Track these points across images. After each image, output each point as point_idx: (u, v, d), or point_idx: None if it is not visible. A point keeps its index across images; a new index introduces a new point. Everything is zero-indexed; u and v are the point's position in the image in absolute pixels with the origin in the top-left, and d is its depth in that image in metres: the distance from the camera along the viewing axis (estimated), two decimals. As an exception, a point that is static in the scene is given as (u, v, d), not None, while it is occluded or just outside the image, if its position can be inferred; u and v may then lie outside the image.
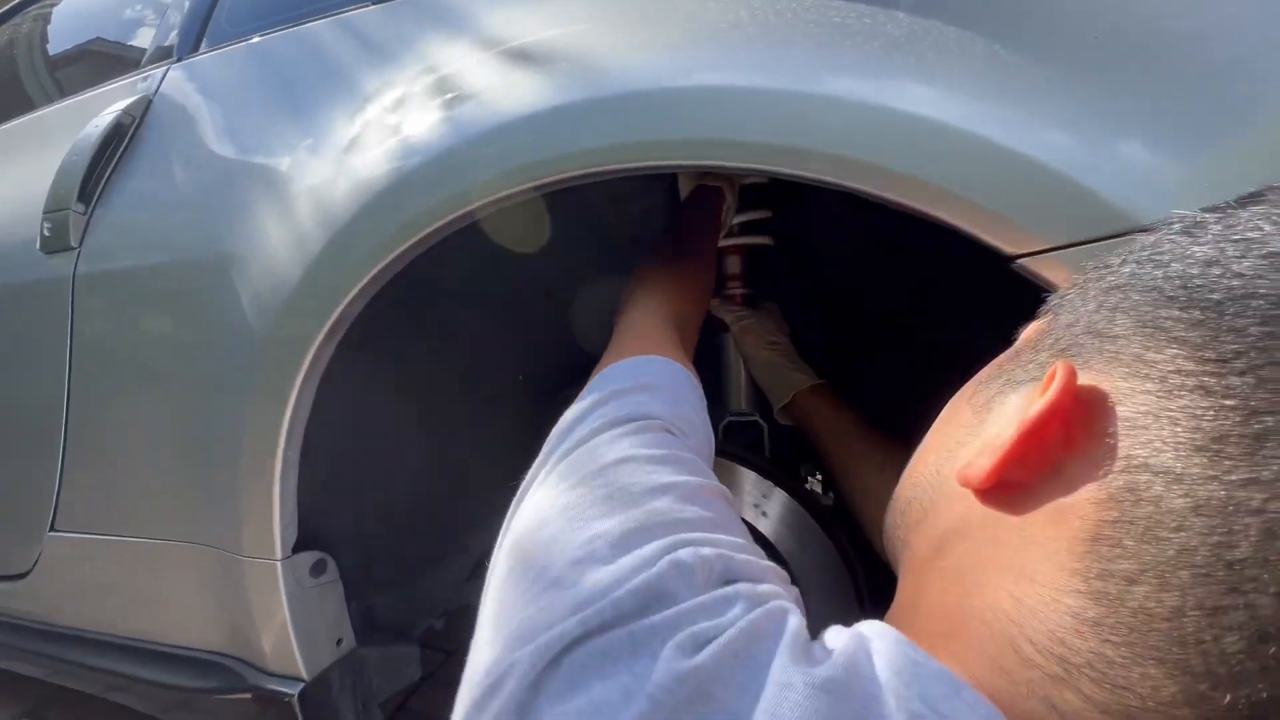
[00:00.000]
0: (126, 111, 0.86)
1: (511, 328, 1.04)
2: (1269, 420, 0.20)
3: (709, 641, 0.25)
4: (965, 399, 0.33)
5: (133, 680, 0.91)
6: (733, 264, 0.86)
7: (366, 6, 0.79)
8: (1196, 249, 0.25)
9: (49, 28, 1.37)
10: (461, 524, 1.09)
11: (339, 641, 0.83)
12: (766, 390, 0.83)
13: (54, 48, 1.34)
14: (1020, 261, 0.43)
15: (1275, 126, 0.42)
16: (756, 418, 0.87)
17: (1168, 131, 0.42)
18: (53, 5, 1.36)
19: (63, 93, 1.16)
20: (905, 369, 0.83)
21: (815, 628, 0.28)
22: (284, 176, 0.72)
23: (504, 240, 0.74)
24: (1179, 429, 0.22)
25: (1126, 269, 0.27)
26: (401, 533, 0.97)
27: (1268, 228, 0.23)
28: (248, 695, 0.83)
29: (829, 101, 0.45)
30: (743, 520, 0.74)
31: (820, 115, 0.45)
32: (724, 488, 0.41)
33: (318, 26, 0.81)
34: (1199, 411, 0.22)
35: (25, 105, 1.21)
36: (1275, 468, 0.20)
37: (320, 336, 0.67)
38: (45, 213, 0.85)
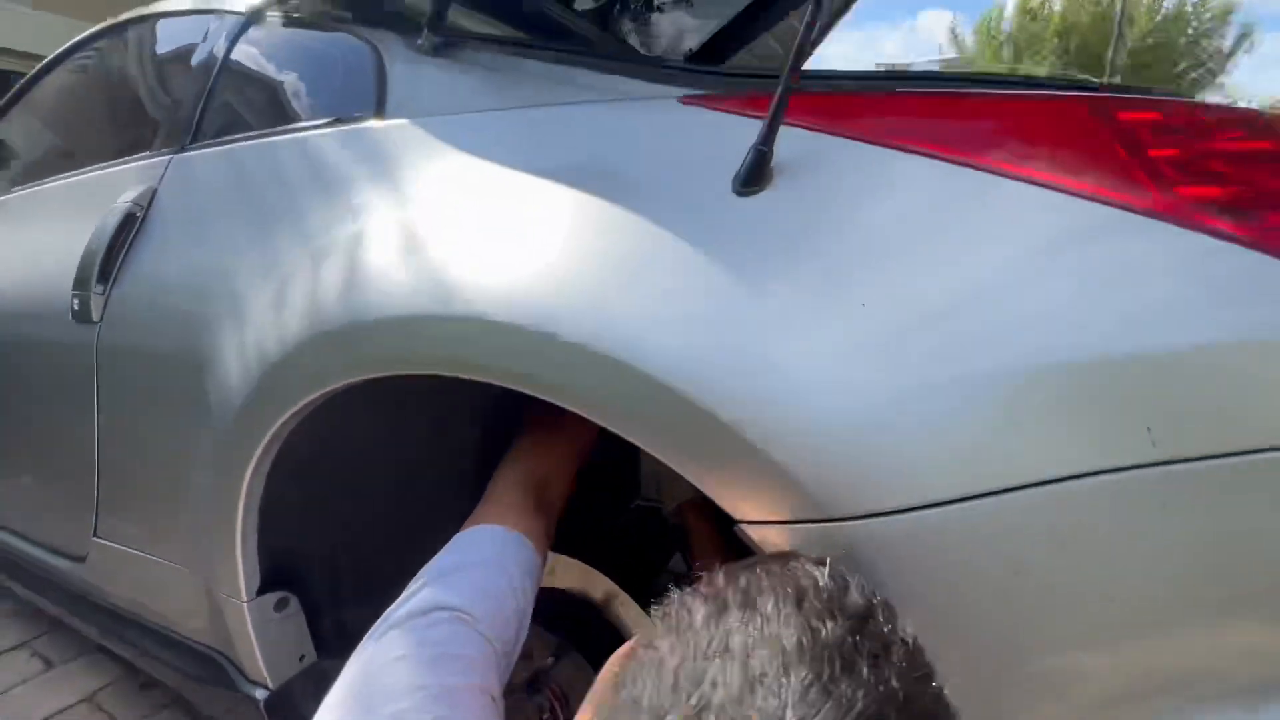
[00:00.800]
0: (135, 202, 0.99)
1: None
2: None
3: None
4: None
5: (153, 658, 1.13)
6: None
7: (325, 129, 0.88)
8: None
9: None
10: (428, 547, 1.24)
11: (302, 658, 1.00)
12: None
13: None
14: (740, 526, 0.50)
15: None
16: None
17: (890, 419, 0.48)
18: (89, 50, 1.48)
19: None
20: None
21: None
22: (239, 292, 0.84)
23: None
24: None
25: (645, 685, 0.32)
26: (369, 561, 1.13)
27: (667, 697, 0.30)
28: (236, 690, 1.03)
29: (581, 353, 0.53)
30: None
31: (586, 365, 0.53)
32: (489, 685, 0.52)
33: (280, 142, 0.91)
34: None
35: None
36: None
37: (258, 451, 0.80)
38: (74, 289, 1.01)
